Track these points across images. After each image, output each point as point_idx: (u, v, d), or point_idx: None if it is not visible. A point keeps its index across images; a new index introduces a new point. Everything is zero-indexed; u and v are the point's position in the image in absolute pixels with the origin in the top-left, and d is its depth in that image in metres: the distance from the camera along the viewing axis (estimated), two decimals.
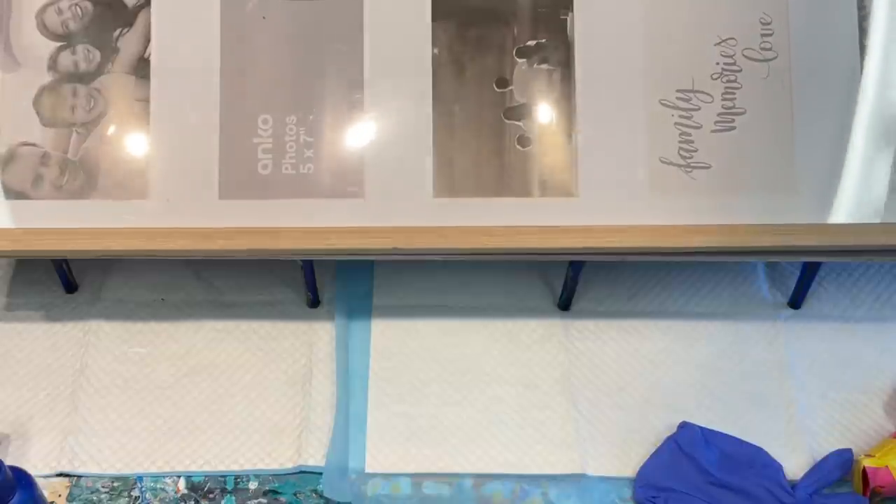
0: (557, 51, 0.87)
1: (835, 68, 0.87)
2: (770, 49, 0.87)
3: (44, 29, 0.87)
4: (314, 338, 0.92)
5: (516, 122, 0.86)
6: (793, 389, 0.90)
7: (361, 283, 0.96)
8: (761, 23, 0.87)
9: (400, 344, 0.92)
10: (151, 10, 0.87)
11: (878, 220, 0.86)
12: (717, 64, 0.87)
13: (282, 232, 0.84)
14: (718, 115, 0.87)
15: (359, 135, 0.86)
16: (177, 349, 0.91)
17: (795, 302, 0.95)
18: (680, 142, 0.86)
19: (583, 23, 0.87)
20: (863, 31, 0.88)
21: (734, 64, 0.87)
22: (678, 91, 0.87)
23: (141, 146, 0.86)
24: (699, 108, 0.86)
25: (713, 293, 0.96)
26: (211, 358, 0.90)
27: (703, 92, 0.86)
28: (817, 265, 0.92)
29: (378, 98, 0.86)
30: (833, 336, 0.94)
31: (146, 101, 0.86)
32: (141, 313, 0.93)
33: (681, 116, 0.86)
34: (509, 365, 0.91)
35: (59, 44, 0.87)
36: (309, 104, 0.86)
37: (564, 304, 0.94)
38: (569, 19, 0.87)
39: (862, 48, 0.88)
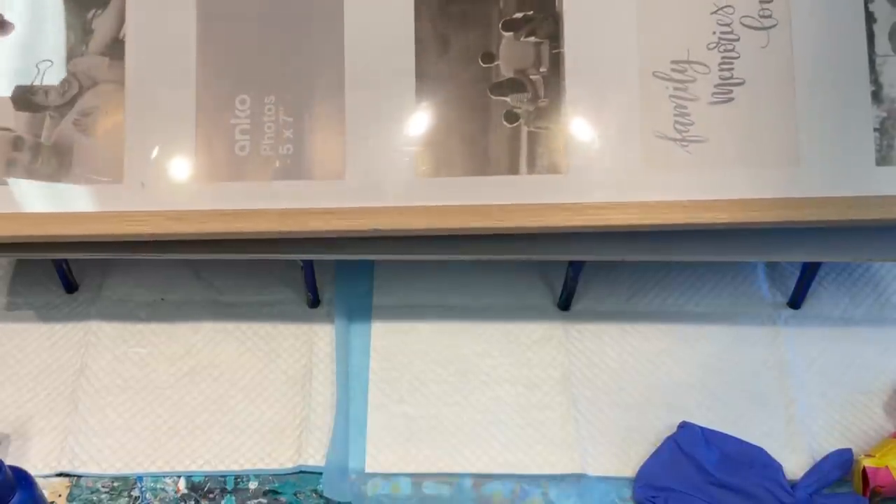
0: (545, 23, 0.84)
1: (839, 34, 0.84)
2: (770, 16, 0.84)
3: None
4: (314, 338, 0.92)
5: (503, 98, 0.84)
6: (793, 389, 0.90)
7: (361, 283, 0.96)
8: None
9: (400, 344, 0.92)
10: None
11: (887, 193, 0.82)
12: (714, 33, 0.83)
13: (259, 214, 0.82)
14: (715, 86, 0.83)
15: (339, 114, 0.83)
16: (177, 349, 0.91)
17: (795, 302, 0.95)
18: (675, 115, 0.83)
19: None
20: None
21: (731, 32, 0.84)
22: (672, 62, 0.83)
23: (115, 129, 0.84)
24: (695, 80, 0.83)
25: (713, 293, 0.96)
26: (211, 358, 0.90)
27: (698, 63, 0.83)
28: (817, 265, 0.92)
29: (359, 75, 0.84)
30: (833, 336, 0.94)
31: (121, 83, 0.84)
32: (141, 313, 0.93)
33: (675, 89, 0.83)
34: (509, 365, 0.91)
35: None
36: (288, 83, 0.84)
37: (564, 304, 0.94)
38: None
39: (868, 13, 0.84)
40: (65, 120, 0.84)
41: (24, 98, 0.84)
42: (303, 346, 0.91)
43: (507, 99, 0.84)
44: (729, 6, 0.84)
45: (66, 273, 0.93)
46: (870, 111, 0.83)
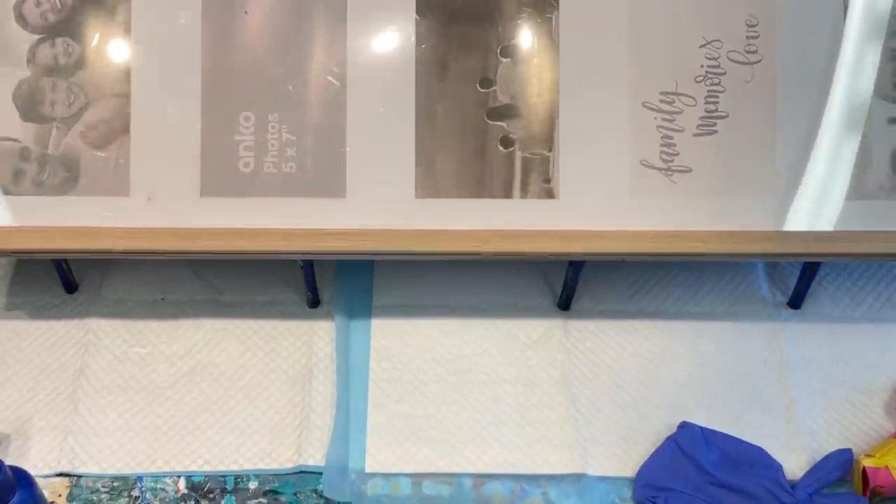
0: (542, 51, 0.87)
1: (819, 73, 0.87)
2: (755, 52, 0.87)
3: (22, 21, 0.86)
4: (314, 338, 0.92)
5: (499, 123, 0.86)
6: (793, 389, 0.90)
7: (361, 283, 0.96)
8: (747, 25, 0.87)
9: (400, 344, 0.92)
10: (132, 3, 0.86)
11: (858, 228, 0.85)
12: (702, 66, 0.87)
13: (263, 234, 0.83)
14: (701, 118, 0.87)
15: (341, 133, 0.85)
16: (177, 349, 0.91)
17: (795, 302, 0.95)
18: (662, 145, 0.86)
19: (568, 23, 0.87)
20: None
21: (718, 66, 0.87)
22: (661, 93, 0.87)
23: (121, 143, 0.85)
24: (682, 112, 0.87)
25: (713, 293, 0.96)
26: (211, 358, 0.90)
27: (686, 95, 0.87)
28: (817, 265, 0.92)
29: (361, 96, 0.86)
30: (833, 336, 0.94)
31: (126, 96, 0.85)
32: (141, 313, 0.93)
33: (664, 119, 0.86)
34: (509, 365, 0.91)
35: (38, 36, 0.86)
36: (291, 102, 0.85)
37: (564, 304, 0.94)
38: (554, 19, 0.87)
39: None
40: (72, 131, 0.85)
41: (31, 109, 0.85)
42: (303, 346, 0.91)
43: (503, 124, 0.86)
44: (717, 40, 0.87)
45: (66, 273, 0.93)
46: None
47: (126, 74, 0.85)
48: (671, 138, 0.86)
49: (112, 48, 0.86)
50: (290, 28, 0.86)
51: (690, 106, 0.86)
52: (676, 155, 0.85)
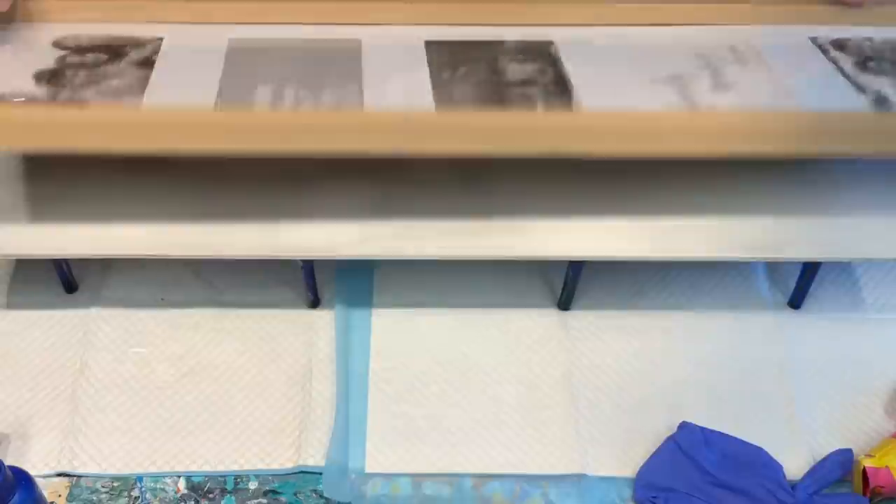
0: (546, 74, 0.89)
1: None
2: None
3: None
4: (314, 338, 0.92)
5: (517, 89, 0.87)
6: (793, 389, 0.90)
7: (361, 283, 0.96)
8: None
9: (400, 344, 0.92)
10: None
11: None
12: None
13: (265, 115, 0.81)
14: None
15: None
16: (177, 349, 0.91)
17: (795, 302, 0.95)
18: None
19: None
20: None
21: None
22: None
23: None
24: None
25: (713, 293, 0.96)
26: (211, 358, 0.90)
27: None
28: (817, 265, 0.92)
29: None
30: (833, 336, 0.94)
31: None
32: (141, 313, 0.93)
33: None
34: (509, 365, 0.91)
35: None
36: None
37: (564, 304, 0.94)
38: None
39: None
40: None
41: (49, 79, 0.85)
42: (303, 346, 0.91)
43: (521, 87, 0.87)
44: None
45: (66, 273, 0.93)
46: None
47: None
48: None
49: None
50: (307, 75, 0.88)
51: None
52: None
